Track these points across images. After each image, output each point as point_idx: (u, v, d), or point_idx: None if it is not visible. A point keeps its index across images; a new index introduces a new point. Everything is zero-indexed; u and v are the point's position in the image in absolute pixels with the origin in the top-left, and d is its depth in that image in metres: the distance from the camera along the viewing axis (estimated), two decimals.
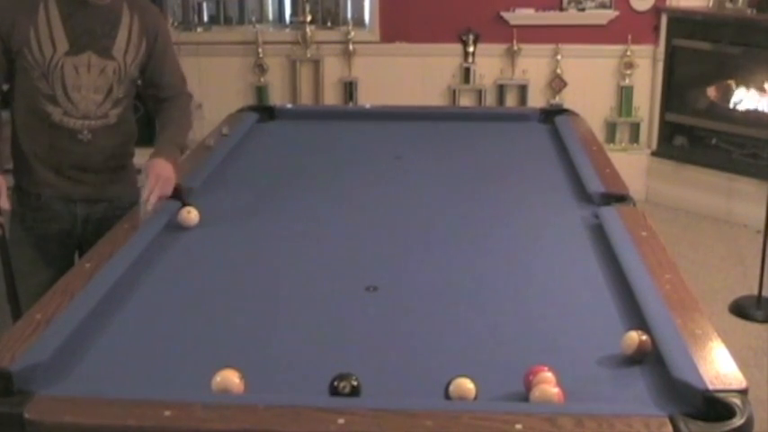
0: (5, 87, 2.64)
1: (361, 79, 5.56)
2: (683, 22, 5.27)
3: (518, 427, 1.47)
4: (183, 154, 2.77)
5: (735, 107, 5.19)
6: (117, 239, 2.29)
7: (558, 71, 5.44)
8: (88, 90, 2.57)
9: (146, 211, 2.39)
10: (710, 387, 1.55)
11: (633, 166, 5.16)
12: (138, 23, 2.60)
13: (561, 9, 5.43)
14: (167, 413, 1.51)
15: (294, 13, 5.82)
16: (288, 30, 5.74)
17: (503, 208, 2.67)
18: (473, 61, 5.50)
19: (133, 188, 2.76)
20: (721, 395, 1.53)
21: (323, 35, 5.60)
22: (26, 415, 1.51)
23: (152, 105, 2.79)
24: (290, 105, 5.07)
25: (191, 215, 2.45)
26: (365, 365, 1.69)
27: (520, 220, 2.56)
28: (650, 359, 1.71)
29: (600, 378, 1.70)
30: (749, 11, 5.03)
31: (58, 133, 2.59)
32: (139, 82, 2.74)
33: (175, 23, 5.69)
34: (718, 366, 1.63)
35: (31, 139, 2.62)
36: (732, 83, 5.20)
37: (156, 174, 2.47)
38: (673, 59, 5.35)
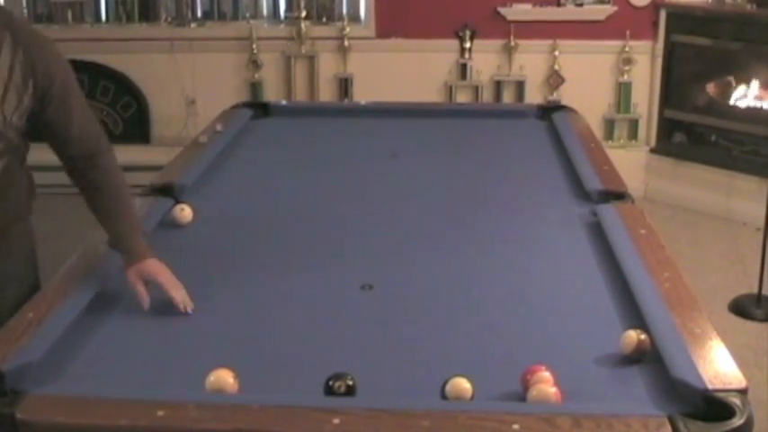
0: None
1: (357, 75, 5.54)
2: (682, 18, 5.25)
3: (515, 427, 1.46)
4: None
5: (734, 104, 5.18)
6: None
7: (556, 67, 5.42)
8: None
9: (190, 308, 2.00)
10: (710, 387, 1.54)
11: (632, 163, 5.14)
12: (22, 62, 1.96)
13: (559, 4, 5.41)
14: (160, 413, 1.50)
15: (289, 8, 5.79)
16: (282, 25, 5.72)
17: (500, 205, 2.66)
18: (470, 57, 5.47)
19: (28, 263, 2.23)
20: (721, 395, 1.52)
21: (318, 31, 5.58)
22: (18, 415, 1.50)
23: (69, 168, 2.12)
24: (284, 102, 5.06)
25: (184, 213, 2.44)
26: (361, 365, 1.68)
27: (517, 218, 2.55)
28: (649, 358, 1.71)
29: (598, 377, 1.70)
30: (749, 6, 5.01)
31: None
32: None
33: (168, 19, 5.67)
34: (718, 366, 1.63)
35: None
36: (732, 79, 5.18)
37: (166, 280, 2.02)
38: (672, 55, 5.33)
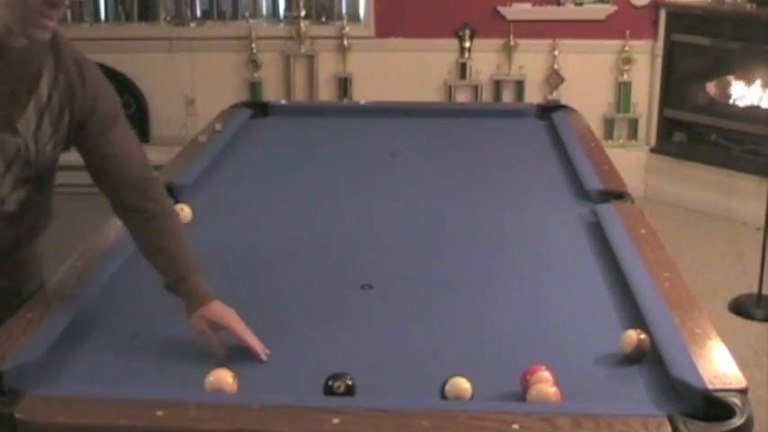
0: None
1: (356, 75, 5.54)
2: (682, 17, 5.25)
3: (515, 427, 1.45)
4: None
5: (734, 103, 5.17)
6: (108, 238, 2.26)
7: (556, 67, 5.42)
8: None
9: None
10: (710, 386, 1.54)
11: (631, 162, 5.14)
12: (62, 90, 1.82)
13: (559, 4, 5.41)
14: (160, 413, 1.50)
15: (288, 8, 5.79)
16: (282, 25, 5.72)
17: (499, 205, 2.66)
18: (469, 57, 5.47)
19: (34, 280, 2.09)
20: (721, 395, 1.52)
21: (317, 30, 5.58)
22: (17, 415, 1.50)
23: (114, 202, 1.95)
24: (283, 101, 5.05)
25: (183, 212, 2.43)
26: (360, 364, 1.68)
27: (516, 218, 2.55)
28: (649, 358, 1.70)
29: (598, 377, 1.69)
30: (748, 5, 5.01)
31: None
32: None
33: (168, 18, 5.68)
34: (718, 365, 1.62)
35: None
36: (732, 78, 5.18)
37: (237, 325, 1.81)
38: (671, 55, 5.33)
